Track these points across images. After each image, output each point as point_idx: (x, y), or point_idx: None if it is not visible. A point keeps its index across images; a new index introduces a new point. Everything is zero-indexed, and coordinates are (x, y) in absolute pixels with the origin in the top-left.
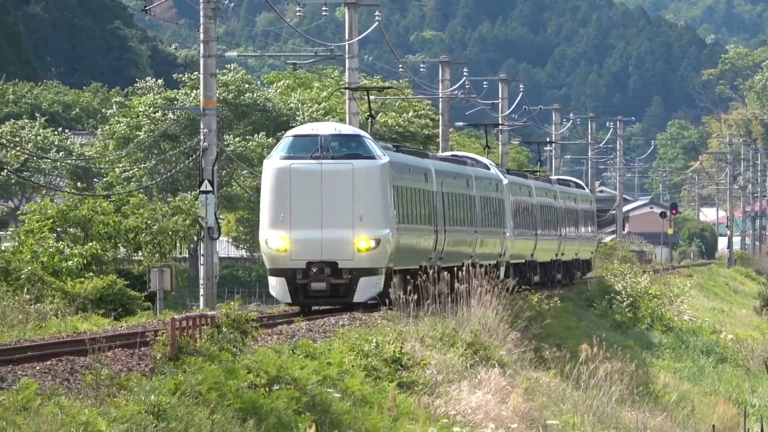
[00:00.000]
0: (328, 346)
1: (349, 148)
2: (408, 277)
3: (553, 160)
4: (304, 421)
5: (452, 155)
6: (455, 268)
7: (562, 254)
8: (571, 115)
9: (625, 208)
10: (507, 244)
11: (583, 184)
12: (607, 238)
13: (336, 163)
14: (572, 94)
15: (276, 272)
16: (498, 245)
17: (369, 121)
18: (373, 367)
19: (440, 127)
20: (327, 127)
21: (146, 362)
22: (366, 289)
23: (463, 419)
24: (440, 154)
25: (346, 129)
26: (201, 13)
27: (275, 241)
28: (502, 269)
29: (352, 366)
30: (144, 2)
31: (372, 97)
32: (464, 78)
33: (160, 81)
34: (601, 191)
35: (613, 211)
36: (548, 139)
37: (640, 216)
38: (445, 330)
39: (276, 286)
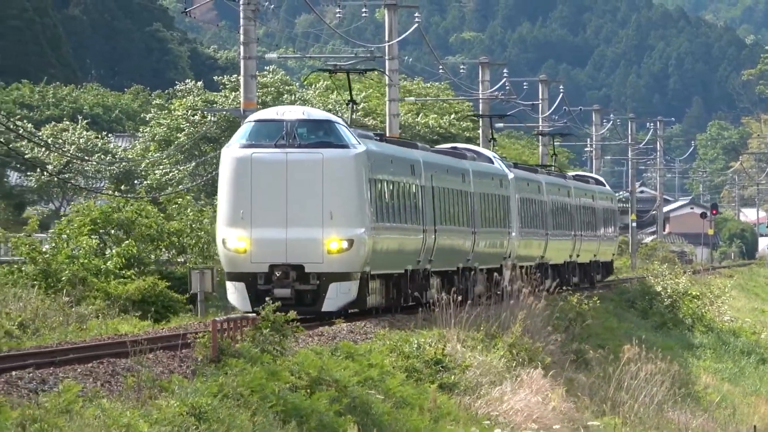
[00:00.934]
0: (369, 347)
1: (318, 135)
2: (391, 282)
3: (594, 161)
4: (345, 423)
5: (452, 147)
6: (450, 272)
7: (578, 256)
8: (611, 116)
9: (666, 209)
10: (512, 244)
11: (604, 181)
12: (648, 239)
13: (303, 152)
14: (612, 95)
15: (234, 276)
16: (501, 246)
17: (350, 107)
18: (414, 368)
19: (480, 129)
20: (294, 112)
21: (187, 364)
22: (337, 296)
23: (504, 420)
24: (438, 146)
25: (316, 113)
26: (241, 15)
27: (233, 241)
28: (507, 273)
29: (393, 367)
30: (184, 4)
31: (412, 99)
32: (504, 79)
33: (200, 83)
34: (642, 192)
35: (654, 212)
36: (588, 140)
37: (680, 216)
38: (486, 331)
39: (234, 292)
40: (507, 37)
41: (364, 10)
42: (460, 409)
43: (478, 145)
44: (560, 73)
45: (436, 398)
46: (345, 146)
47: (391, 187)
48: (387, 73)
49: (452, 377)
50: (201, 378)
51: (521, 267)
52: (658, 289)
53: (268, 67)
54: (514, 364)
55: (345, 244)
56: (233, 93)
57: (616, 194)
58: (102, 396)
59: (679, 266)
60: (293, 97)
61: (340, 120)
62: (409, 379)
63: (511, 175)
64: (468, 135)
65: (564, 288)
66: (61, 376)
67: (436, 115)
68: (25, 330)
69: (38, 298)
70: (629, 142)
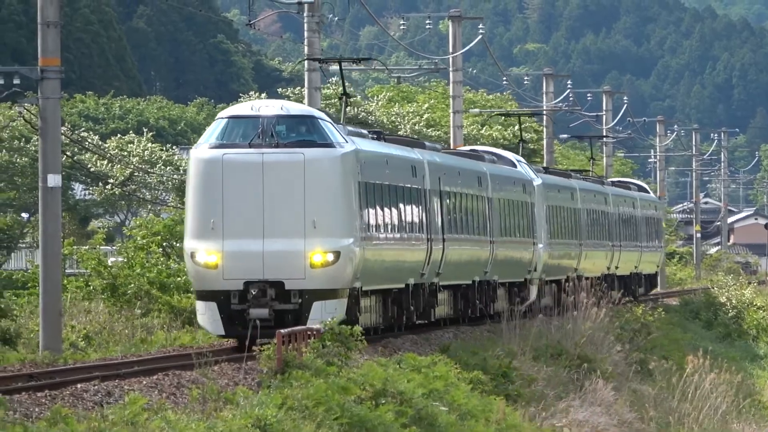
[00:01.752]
0: (434, 359)
1: (299, 132)
2: (389, 299)
3: (657, 172)
4: None
5: (470, 150)
6: (464, 286)
7: (617, 268)
8: (675, 126)
9: (730, 220)
10: (539, 256)
11: (647, 188)
12: (712, 250)
13: (282, 153)
14: (676, 106)
15: (204, 295)
16: (525, 258)
17: (343, 100)
18: (480, 380)
19: (544, 140)
20: (272, 106)
21: (252, 376)
22: (322, 316)
23: (569, 431)
24: (457, 149)
25: (296, 108)
26: (305, 27)
27: (203, 255)
28: (534, 288)
29: (458, 379)
30: (248, 17)
31: (476, 110)
32: (568, 90)
33: (264, 95)
34: (706, 203)
35: (718, 223)
36: (652, 151)
37: (745, 227)
38: (551, 343)
39: (204, 313)
40: (571, 48)
41: (428, 21)
42: (526, 421)
43: (542, 155)
44: (624, 84)
45: (504, 409)
46: (330, 145)
47: (387, 192)
48: (450, 84)
49: (518, 388)
50: (266, 390)
51: (550, 281)
52: (723, 299)
53: (331, 79)
54: (578, 375)
55: (330, 257)
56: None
57: (680, 205)
58: (167, 408)
59: (744, 277)
60: (357, 109)
61: (324, 115)
62: (473, 391)
63: (537, 181)
64: (532, 146)
65: (616, 300)
66: (126, 389)
67: (500, 127)
68: (90, 342)
69: (105, 311)
70: (693, 153)
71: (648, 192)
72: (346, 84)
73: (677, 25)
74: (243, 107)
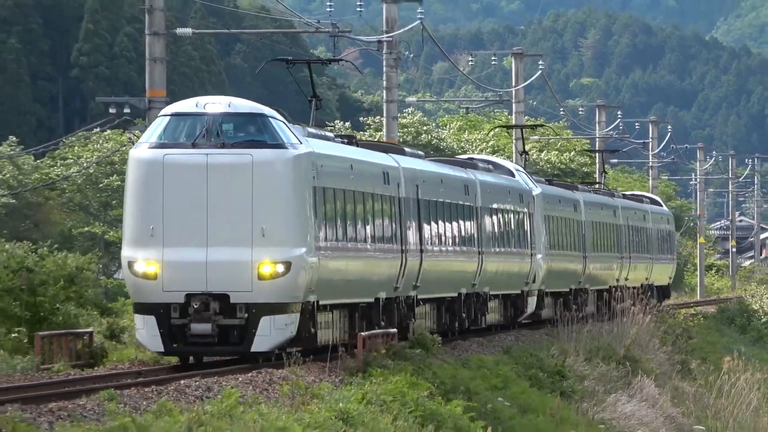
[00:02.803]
0: (497, 359)
1: (248, 132)
2: (356, 314)
3: (698, 193)
4: (477, 427)
5: (467, 158)
6: (448, 299)
7: (626, 279)
8: (714, 152)
9: (762, 236)
10: (537, 267)
11: (660, 201)
12: (746, 263)
13: (228, 154)
14: (715, 134)
15: (142, 308)
16: (521, 269)
17: (312, 103)
18: (537, 377)
19: (597, 164)
20: (219, 103)
21: (336, 374)
22: (270, 333)
23: (617, 424)
24: (455, 157)
25: (245, 105)
26: (384, 63)
27: (141, 264)
28: (532, 299)
29: (518, 377)
30: (333, 53)
31: (535, 137)
32: (618, 120)
33: (347, 124)
34: (741, 220)
35: (752, 239)
36: (693, 175)
37: None
38: (601, 345)
39: (143, 327)
40: (621, 82)
41: (493, 58)
42: (579, 414)
43: (595, 178)
44: (668, 115)
45: (559, 404)
46: (281, 146)
47: (351, 199)
48: (513, 114)
49: (572, 385)
50: (348, 386)
51: (550, 293)
52: (755, 307)
53: (407, 110)
54: (625, 374)
55: (280, 268)
56: (377, 132)
57: (717, 222)
58: (260, 402)
59: None
60: (430, 136)
61: (276, 114)
62: (532, 387)
63: (536, 191)
64: (585, 170)
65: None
66: (224, 384)
67: (557, 152)
68: None
69: None
70: (730, 176)
71: (661, 205)
72: (419, 114)
73: (716, 62)
74: (187, 103)
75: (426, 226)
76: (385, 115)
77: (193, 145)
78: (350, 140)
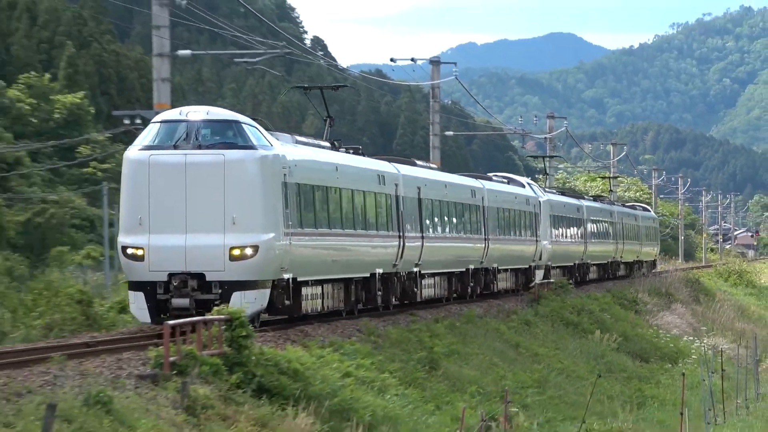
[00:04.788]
0: (604, 294)
1: (224, 136)
2: (354, 285)
3: (704, 218)
4: (594, 328)
5: (494, 175)
6: (458, 272)
7: (621, 256)
8: (711, 192)
9: (737, 233)
10: (542, 249)
11: (650, 209)
12: (727, 246)
13: (204, 154)
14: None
15: (133, 286)
16: (527, 250)
17: (327, 122)
18: (622, 303)
19: (653, 198)
20: (199, 112)
21: (525, 300)
22: (241, 305)
23: (664, 328)
24: (465, 173)
25: (221, 113)
26: (547, 148)
27: (131, 248)
28: (540, 272)
29: (613, 303)
30: (523, 144)
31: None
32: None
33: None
34: (725, 224)
35: (730, 235)
36: (699, 204)
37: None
38: (653, 288)
39: (134, 302)
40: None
41: (601, 146)
42: (644, 321)
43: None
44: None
45: (634, 317)
46: (251, 147)
47: (333, 193)
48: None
49: (641, 307)
50: (530, 309)
51: (557, 266)
52: (736, 268)
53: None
54: (667, 301)
55: (249, 251)
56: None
57: (713, 226)
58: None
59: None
60: (571, 184)
61: (250, 121)
62: (620, 308)
63: (543, 198)
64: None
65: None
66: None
67: (585, 178)
68: None
69: None
70: (719, 203)
71: (650, 211)
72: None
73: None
74: (173, 112)
75: (427, 219)
76: (547, 175)
77: (175, 147)
78: (356, 151)
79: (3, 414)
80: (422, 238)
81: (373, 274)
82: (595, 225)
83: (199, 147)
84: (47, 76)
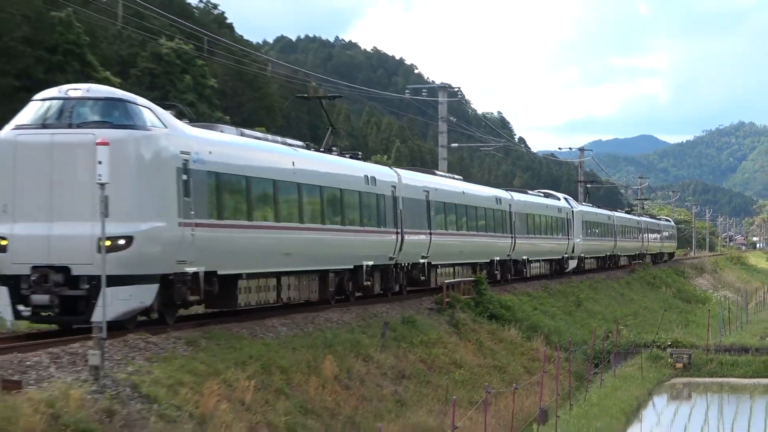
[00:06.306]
0: (629, 277)
1: (106, 115)
2: (330, 277)
3: (718, 230)
4: (661, 285)
5: (542, 192)
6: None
7: (647, 249)
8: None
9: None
10: (576, 245)
11: (671, 219)
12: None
13: (73, 133)
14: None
15: None
16: (559, 246)
17: (329, 131)
18: (675, 272)
19: (692, 219)
20: (80, 89)
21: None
22: (114, 303)
23: (699, 287)
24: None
25: (104, 90)
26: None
27: None
28: (573, 261)
29: (672, 272)
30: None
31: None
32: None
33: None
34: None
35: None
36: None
37: None
38: (693, 265)
39: None
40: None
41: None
42: (687, 282)
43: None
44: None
45: (683, 280)
46: (132, 127)
47: (247, 184)
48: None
49: (687, 277)
50: (630, 275)
51: (591, 257)
52: (739, 255)
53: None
54: (699, 272)
55: (122, 242)
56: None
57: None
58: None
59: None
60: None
61: (140, 100)
62: (675, 275)
63: (576, 209)
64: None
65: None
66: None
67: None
68: None
69: None
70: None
71: (670, 221)
72: None
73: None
74: (53, 90)
75: (435, 218)
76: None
77: (43, 126)
78: (353, 155)
79: (360, 327)
80: (430, 234)
81: (359, 266)
82: (623, 228)
83: (69, 126)
84: None
